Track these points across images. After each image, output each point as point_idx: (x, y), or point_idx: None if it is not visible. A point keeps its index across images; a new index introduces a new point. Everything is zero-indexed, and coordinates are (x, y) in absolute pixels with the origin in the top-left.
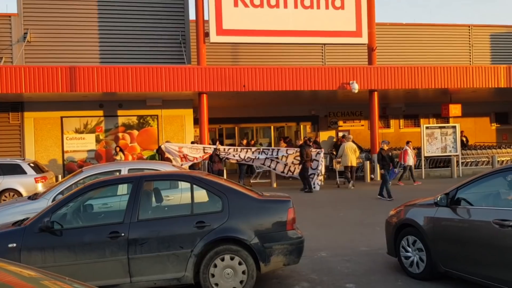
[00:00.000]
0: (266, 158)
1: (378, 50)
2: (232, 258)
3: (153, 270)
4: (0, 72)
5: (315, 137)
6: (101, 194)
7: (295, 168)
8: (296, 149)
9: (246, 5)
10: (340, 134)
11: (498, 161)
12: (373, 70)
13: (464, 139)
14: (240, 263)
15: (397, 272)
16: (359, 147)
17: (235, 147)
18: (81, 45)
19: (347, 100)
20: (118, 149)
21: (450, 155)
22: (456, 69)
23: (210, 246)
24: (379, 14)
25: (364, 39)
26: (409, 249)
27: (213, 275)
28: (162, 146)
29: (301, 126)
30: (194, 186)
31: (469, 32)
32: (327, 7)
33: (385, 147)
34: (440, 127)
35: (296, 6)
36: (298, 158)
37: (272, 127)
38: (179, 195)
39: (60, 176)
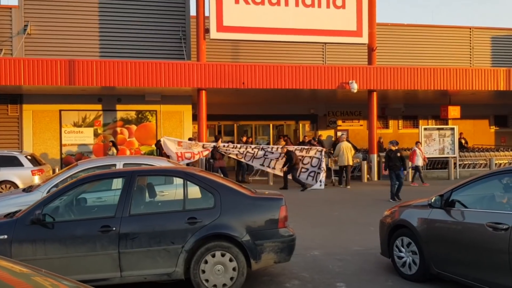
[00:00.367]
0: (265, 158)
1: (379, 50)
2: (223, 255)
3: (143, 265)
4: None
5: (318, 136)
6: (94, 188)
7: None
8: (296, 147)
9: (247, 2)
10: (339, 133)
11: (495, 163)
12: (373, 70)
13: (463, 141)
14: (231, 260)
15: (388, 272)
16: (354, 147)
17: (235, 144)
18: (81, 39)
19: (347, 100)
20: (111, 143)
21: (447, 157)
22: (456, 71)
23: (201, 242)
24: (380, 14)
25: (364, 39)
26: (403, 250)
27: (203, 271)
28: (161, 140)
29: (300, 124)
30: (187, 182)
31: (470, 34)
32: (328, 6)
33: (393, 148)
34: (438, 129)
35: (297, 4)
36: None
37: (271, 125)
38: (172, 191)
39: (57, 169)
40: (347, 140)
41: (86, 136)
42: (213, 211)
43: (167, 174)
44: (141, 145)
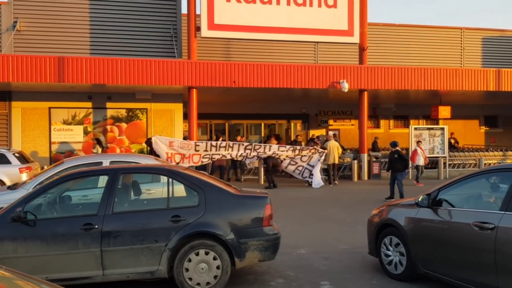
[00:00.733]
0: (259, 158)
1: (370, 50)
2: (207, 253)
3: (126, 263)
4: None
5: (311, 136)
6: (77, 186)
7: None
8: (289, 146)
9: (238, 1)
10: (330, 132)
11: (484, 163)
12: (364, 69)
13: (453, 140)
14: (215, 258)
15: (373, 271)
16: (341, 146)
17: (227, 142)
18: (71, 36)
19: (338, 99)
20: (95, 141)
21: (437, 157)
22: (446, 71)
23: (185, 241)
24: (372, 14)
25: (355, 39)
26: (390, 250)
27: (187, 270)
28: (153, 139)
29: (292, 124)
30: (171, 180)
31: (461, 35)
32: (319, 5)
33: (393, 149)
34: (428, 129)
35: (288, 3)
36: (290, 155)
37: (262, 124)
38: (156, 189)
39: (46, 167)
40: (335, 140)
41: (76, 134)
42: (198, 209)
43: (151, 172)
44: (132, 143)
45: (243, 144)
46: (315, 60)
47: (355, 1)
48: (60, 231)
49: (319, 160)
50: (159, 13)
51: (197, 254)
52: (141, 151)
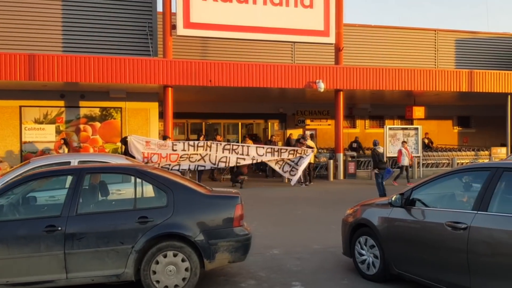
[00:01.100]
0: (238, 157)
1: (346, 50)
2: (175, 255)
3: (91, 266)
4: None
5: (288, 135)
6: (42, 186)
7: (262, 161)
8: (267, 147)
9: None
10: (307, 132)
11: (457, 163)
12: (339, 70)
13: (427, 140)
14: (183, 260)
15: (345, 271)
16: (315, 146)
17: (205, 142)
18: (43, 33)
19: (315, 99)
20: (62, 141)
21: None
22: (420, 72)
23: (152, 242)
24: (348, 15)
25: (331, 39)
26: (364, 250)
27: (154, 272)
28: (128, 138)
29: (269, 123)
30: (138, 179)
31: (435, 36)
32: (296, 5)
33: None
34: (403, 129)
35: (265, 3)
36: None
37: (240, 124)
38: (123, 189)
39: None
40: (311, 139)
41: (48, 133)
42: (166, 210)
43: (118, 171)
44: (106, 143)
45: (221, 144)
46: (292, 60)
47: (331, 1)
48: (22, 233)
49: (302, 159)
50: (135, 10)
51: (165, 256)
52: (115, 151)
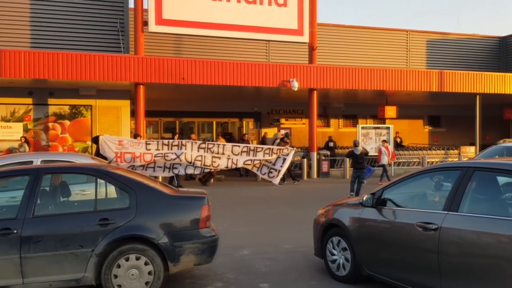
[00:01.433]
0: (213, 156)
1: (320, 50)
2: (137, 258)
3: (48, 271)
4: None
5: (263, 134)
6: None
7: (237, 160)
8: (243, 145)
9: None
10: (282, 131)
11: (428, 162)
12: (313, 69)
13: (399, 139)
14: (146, 263)
15: (314, 271)
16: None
17: (179, 141)
18: (9, 28)
19: (290, 98)
20: (23, 139)
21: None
22: (392, 72)
23: (114, 245)
24: (322, 15)
25: (305, 38)
26: (335, 251)
27: (116, 276)
28: (100, 138)
29: (244, 122)
30: (100, 180)
31: (407, 37)
32: (270, 4)
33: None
34: (375, 128)
35: (239, 1)
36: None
37: (214, 123)
38: (84, 190)
39: None
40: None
41: (15, 132)
42: (128, 212)
43: (78, 171)
44: (75, 142)
45: (196, 143)
46: (267, 58)
47: (304, 0)
48: None
49: (284, 158)
50: (106, 6)
51: (127, 260)
52: (85, 150)
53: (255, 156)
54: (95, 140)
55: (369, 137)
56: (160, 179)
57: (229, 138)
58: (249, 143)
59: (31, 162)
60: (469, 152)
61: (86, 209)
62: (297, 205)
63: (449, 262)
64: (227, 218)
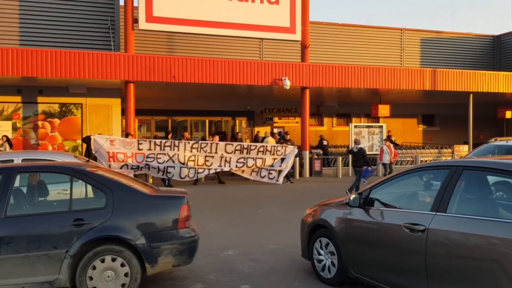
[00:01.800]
0: (206, 156)
1: (313, 48)
2: (113, 259)
3: (20, 273)
4: None
5: (256, 132)
6: None
7: (230, 158)
8: (238, 143)
9: None
10: (276, 130)
11: (421, 160)
12: (305, 67)
13: (392, 138)
14: (122, 265)
15: (298, 272)
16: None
17: (172, 141)
18: None
19: (283, 97)
20: (4, 138)
21: (376, 154)
22: (385, 70)
23: (89, 246)
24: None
25: (297, 36)
26: (322, 252)
27: (91, 278)
28: (92, 138)
29: (237, 121)
30: (75, 179)
31: (401, 35)
32: (262, 1)
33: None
34: (368, 126)
35: None
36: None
37: (207, 121)
38: (59, 190)
39: None
40: (271, 136)
41: (4, 130)
42: (104, 212)
43: (53, 170)
44: (65, 140)
45: (189, 143)
46: (260, 57)
47: None
48: None
49: (283, 158)
50: (96, 3)
51: (103, 261)
52: (75, 148)
53: (249, 154)
54: (86, 140)
55: (362, 136)
56: (150, 180)
57: (222, 137)
58: (242, 142)
59: (12, 160)
60: (463, 151)
61: (61, 209)
62: (287, 205)
63: (436, 265)
64: (215, 218)
